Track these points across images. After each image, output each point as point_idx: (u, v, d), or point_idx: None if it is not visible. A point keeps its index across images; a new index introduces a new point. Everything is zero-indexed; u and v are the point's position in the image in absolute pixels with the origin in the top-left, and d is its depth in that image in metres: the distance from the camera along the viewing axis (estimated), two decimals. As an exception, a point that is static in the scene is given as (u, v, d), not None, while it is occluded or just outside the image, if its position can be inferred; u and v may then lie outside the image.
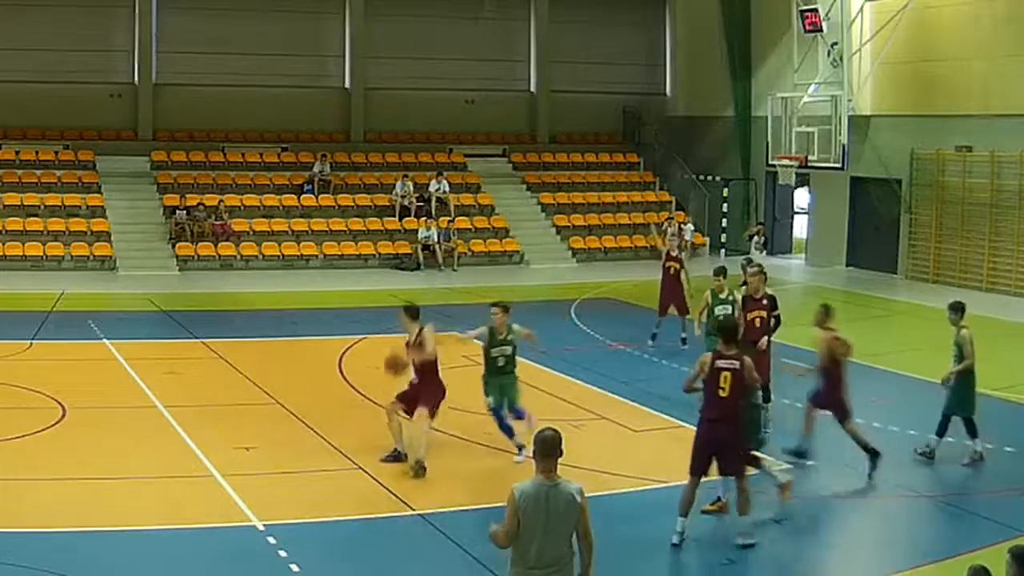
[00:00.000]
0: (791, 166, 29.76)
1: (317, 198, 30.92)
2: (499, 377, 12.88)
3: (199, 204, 28.94)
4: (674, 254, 19.80)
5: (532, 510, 6.97)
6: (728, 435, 10.36)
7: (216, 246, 28.47)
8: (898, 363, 18.43)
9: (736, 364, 10.35)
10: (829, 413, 12.70)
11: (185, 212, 28.77)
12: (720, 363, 10.38)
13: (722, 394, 10.33)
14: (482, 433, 13.88)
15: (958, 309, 13.16)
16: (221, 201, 29.29)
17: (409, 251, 29.70)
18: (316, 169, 31.34)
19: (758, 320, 14.35)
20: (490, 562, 9.93)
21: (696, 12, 35.83)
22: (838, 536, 11.35)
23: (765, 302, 14.47)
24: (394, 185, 31.35)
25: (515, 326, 12.96)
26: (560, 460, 7.11)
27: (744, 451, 10.66)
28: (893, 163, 28.45)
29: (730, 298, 15.64)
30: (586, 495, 7.12)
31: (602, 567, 10.22)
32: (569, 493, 7.04)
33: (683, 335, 19.14)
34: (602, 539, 9.95)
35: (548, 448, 7.05)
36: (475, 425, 14.23)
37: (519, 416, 12.95)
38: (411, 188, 31.16)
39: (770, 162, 30.89)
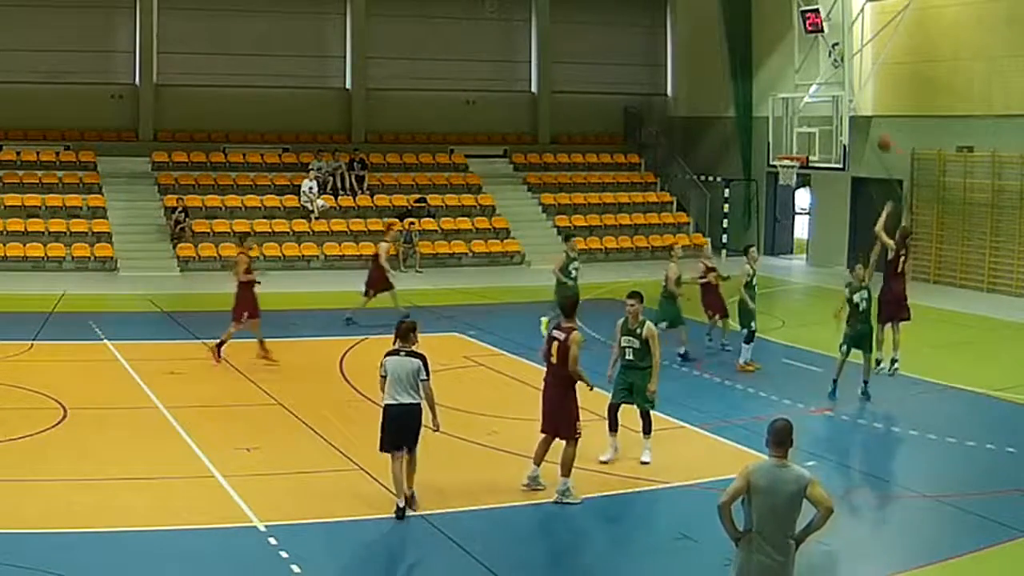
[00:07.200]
0: (792, 166, 29.77)
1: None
2: (625, 372, 12.91)
3: (180, 208, 28.89)
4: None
5: (760, 481, 7.31)
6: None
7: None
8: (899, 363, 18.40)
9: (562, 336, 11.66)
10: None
11: (183, 213, 28.78)
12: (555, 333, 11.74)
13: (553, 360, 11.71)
14: (483, 433, 13.91)
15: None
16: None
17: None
18: (326, 169, 31.23)
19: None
20: (491, 563, 9.94)
21: (697, 13, 35.84)
22: (838, 536, 11.32)
23: None
24: (394, 185, 31.32)
25: (648, 323, 13.00)
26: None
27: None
28: (894, 164, 28.45)
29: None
30: (816, 477, 7.38)
31: (602, 567, 10.30)
32: (797, 475, 7.33)
33: (724, 342, 19.45)
34: (602, 539, 9.93)
35: (780, 436, 7.42)
36: (476, 425, 14.24)
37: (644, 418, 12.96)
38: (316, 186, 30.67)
39: (771, 162, 30.90)
